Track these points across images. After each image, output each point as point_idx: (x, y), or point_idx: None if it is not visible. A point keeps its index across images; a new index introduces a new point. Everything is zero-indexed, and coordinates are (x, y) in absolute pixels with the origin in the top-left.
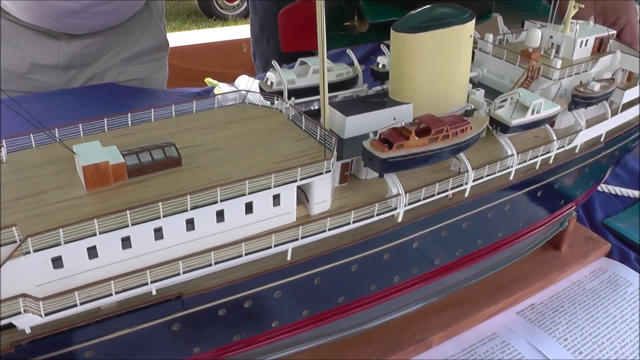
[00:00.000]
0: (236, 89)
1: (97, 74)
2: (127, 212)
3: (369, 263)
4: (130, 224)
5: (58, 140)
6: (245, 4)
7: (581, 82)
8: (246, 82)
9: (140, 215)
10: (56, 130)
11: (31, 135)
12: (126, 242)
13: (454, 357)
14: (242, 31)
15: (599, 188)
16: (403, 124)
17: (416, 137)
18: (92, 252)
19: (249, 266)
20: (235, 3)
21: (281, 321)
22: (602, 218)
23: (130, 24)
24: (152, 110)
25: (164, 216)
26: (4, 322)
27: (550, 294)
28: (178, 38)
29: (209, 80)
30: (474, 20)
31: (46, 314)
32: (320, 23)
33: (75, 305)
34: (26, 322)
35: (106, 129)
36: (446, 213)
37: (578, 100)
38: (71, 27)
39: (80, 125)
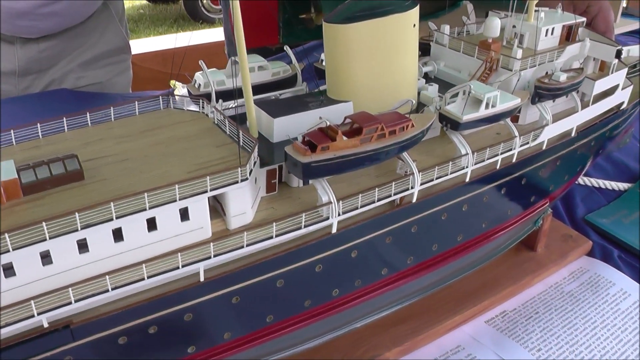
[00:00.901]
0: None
1: (56, 79)
2: (6, 235)
3: (298, 277)
4: (11, 249)
5: None
6: None
7: (547, 73)
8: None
9: (23, 238)
10: None
11: None
12: (9, 271)
13: None
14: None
15: (580, 181)
16: (328, 124)
17: (344, 138)
18: None
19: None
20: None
21: (198, 346)
22: (584, 214)
23: (88, 26)
24: (65, 119)
25: (50, 238)
26: None
27: (523, 299)
28: (160, 42)
29: (172, 83)
30: (417, 8)
31: None
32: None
33: None
34: None
35: (14, 142)
36: (389, 217)
37: (542, 92)
38: (23, 30)
39: None
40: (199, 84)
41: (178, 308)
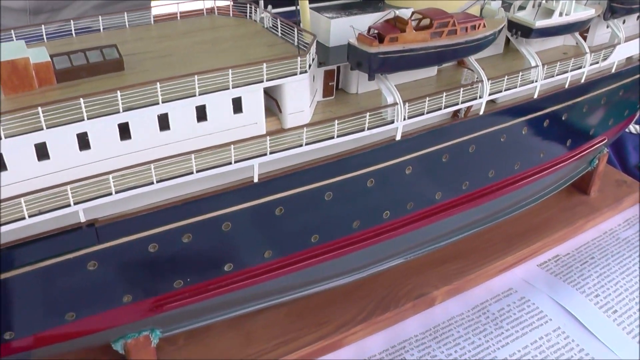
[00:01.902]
0: None
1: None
2: (39, 109)
3: (348, 191)
4: (44, 127)
5: None
6: None
7: None
8: None
9: (60, 116)
10: None
11: None
12: (42, 151)
13: (462, 316)
14: None
15: (632, 129)
16: (396, 14)
17: (415, 30)
18: None
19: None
20: None
21: (236, 264)
22: (637, 162)
23: None
24: (100, 18)
25: (88, 118)
26: None
27: (577, 244)
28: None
29: None
30: None
31: None
32: None
33: None
34: None
35: (45, 39)
36: (448, 130)
37: (616, 6)
38: None
39: (12, 31)
40: None
41: (217, 214)
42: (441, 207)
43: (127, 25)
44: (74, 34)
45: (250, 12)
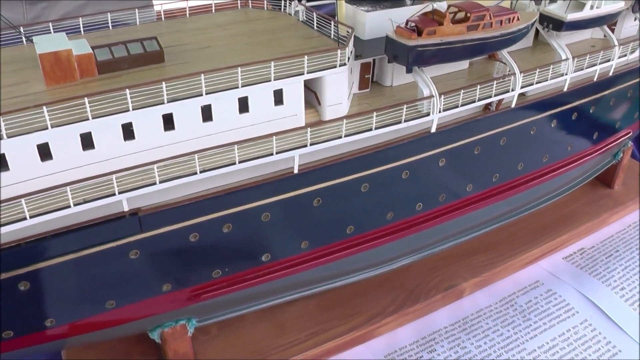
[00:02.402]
0: None
1: (70, 12)
2: (86, 99)
3: (383, 182)
4: (90, 117)
5: (23, 35)
6: None
7: None
8: None
9: (105, 107)
10: (21, 28)
11: None
12: (87, 141)
13: (490, 308)
14: None
15: None
16: (434, 7)
17: (452, 24)
18: (44, 152)
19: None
20: None
21: (273, 254)
22: None
23: None
24: (137, 11)
25: (133, 109)
26: None
27: (602, 237)
28: None
29: None
30: None
31: None
32: None
33: (24, 219)
34: None
35: (82, 31)
36: (481, 123)
37: None
38: None
39: (50, 24)
40: None
41: (257, 204)
42: (472, 199)
43: (163, 19)
44: (110, 27)
45: (285, 6)
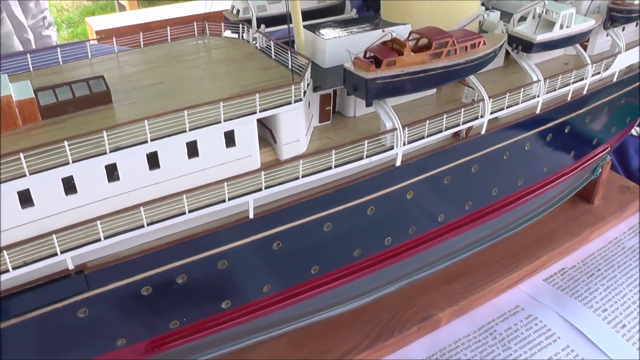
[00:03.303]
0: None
1: None
2: (21, 155)
3: (347, 220)
4: (27, 173)
5: None
6: None
7: None
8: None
9: (44, 161)
10: None
11: None
12: (25, 199)
13: (468, 338)
14: None
15: (633, 132)
16: (394, 36)
17: (412, 53)
18: None
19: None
20: None
21: (234, 301)
22: (638, 166)
23: None
24: (88, 44)
25: (74, 161)
26: None
27: (583, 255)
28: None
29: None
30: None
31: None
32: None
33: None
34: None
35: (31, 68)
36: (449, 152)
37: (616, 15)
38: None
39: None
40: (238, 10)
41: (212, 253)
42: (444, 228)
43: (116, 51)
44: (61, 62)
45: (243, 32)
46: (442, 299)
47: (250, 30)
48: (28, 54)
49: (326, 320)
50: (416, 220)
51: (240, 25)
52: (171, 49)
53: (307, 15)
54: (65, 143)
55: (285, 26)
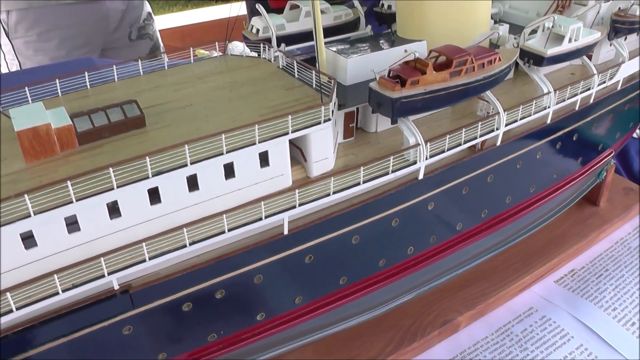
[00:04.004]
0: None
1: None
2: (68, 182)
3: (375, 232)
4: (74, 199)
5: None
6: None
7: (620, 8)
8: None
9: (88, 187)
10: None
11: None
12: (72, 224)
13: (487, 340)
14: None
15: (634, 134)
16: (417, 55)
17: (434, 72)
18: (29, 241)
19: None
20: None
21: (267, 313)
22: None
23: None
24: (115, 67)
25: (118, 187)
26: None
27: (591, 256)
28: (176, 19)
29: (199, 52)
30: None
31: None
32: None
33: (10, 312)
34: None
35: (60, 93)
36: (467, 164)
37: (619, 26)
38: None
39: (26, 88)
40: (257, 29)
41: (249, 268)
42: (462, 236)
43: (142, 72)
44: (88, 86)
45: (264, 50)
46: (460, 304)
47: (270, 49)
48: (57, 80)
49: (350, 328)
50: (436, 229)
51: (261, 45)
52: (195, 70)
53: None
54: (111, 170)
55: (304, 44)
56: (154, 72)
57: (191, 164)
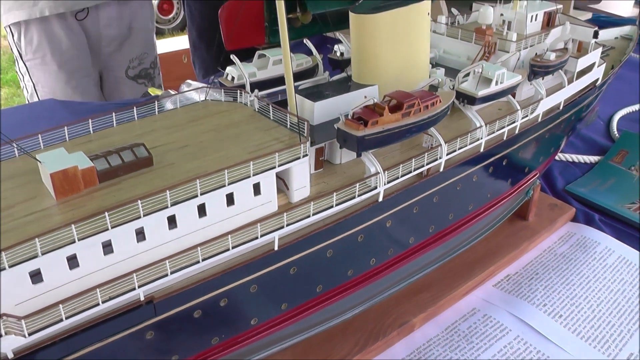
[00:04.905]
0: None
1: None
2: (106, 213)
3: (344, 247)
4: (110, 227)
5: (23, 150)
6: (181, 17)
7: (536, 54)
8: (189, 86)
9: (120, 216)
10: (14, 143)
11: None
12: (107, 247)
13: (438, 337)
14: (179, 43)
15: (556, 157)
16: (375, 101)
17: (389, 113)
18: (73, 262)
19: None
20: (171, 16)
21: (260, 318)
22: (563, 185)
23: None
24: (114, 114)
25: (144, 215)
26: None
27: (523, 263)
28: None
29: (152, 90)
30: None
31: (29, 334)
32: (280, 14)
33: (61, 321)
34: (7, 345)
35: (67, 138)
36: (417, 188)
37: (537, 69)
38: None
39: (39, 136)
40: (232, 77)
41: (246, 280)
42: (414, 249)
43: (136, 118)
44: (91, 131)
45: (240, 96)
46: (414, 308)
47: (245, 94)
48: (65, 127)
49: (322, 333)
50: (393, 243)
51: (238, 91)
52: (182, 115)
53: (283, 80)
54: (139, 202)
55: (274, 89)
56: (146, 117)
57: (201, 194)
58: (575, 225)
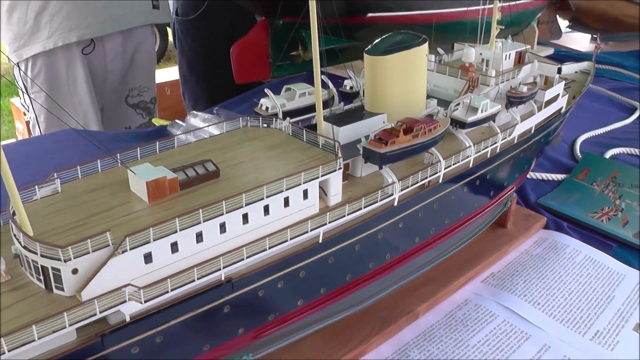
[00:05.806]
0: (194, 125)
1: None
2: (200, 211)
3: (367, 243)
4: (202, 221)
5: (122, 163)
6: (161, 48)
7: (511, 87)
8: (196, 117)
9: (209, 213)
10: (118, 155)
11: (78, 167)
12: (199, 237)
13: (439, 323)
14: (163, 75)
15: (529, 176)
16: (392, 126)
17: (403, 135)
18: (174, 247)
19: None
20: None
21: (305, 299)
22: (535, 199)
23: None
24: (175, 138)
25: (226, 212)
26: (101, 315)
27: (505, 263)
28: None
29: (157, 120)
30: (427, 43)
31: (145, 301)
32: (314, 48)
33: (167, 292)
34: (128, 309)
35: (139, 157)
36: (422, 196)
37: (513, 100)
38: None
39: (118, 155)
40: (267, 107)
41: (298, 266)
42: (418, 248)
43: (193, 140)
44: (157, 151)
45: (274, 123)
46: (418, 299)
47: (277, 120)
48: (138, 148)
49: (345, 320)
50: (402, 242)
51: (274, 119)
52: (229, 139)
53: (307, 109)
54: (223, 202)
55: (302, 117)
56: (197, 141)
57: (267, 197)
58: (547, 231)
